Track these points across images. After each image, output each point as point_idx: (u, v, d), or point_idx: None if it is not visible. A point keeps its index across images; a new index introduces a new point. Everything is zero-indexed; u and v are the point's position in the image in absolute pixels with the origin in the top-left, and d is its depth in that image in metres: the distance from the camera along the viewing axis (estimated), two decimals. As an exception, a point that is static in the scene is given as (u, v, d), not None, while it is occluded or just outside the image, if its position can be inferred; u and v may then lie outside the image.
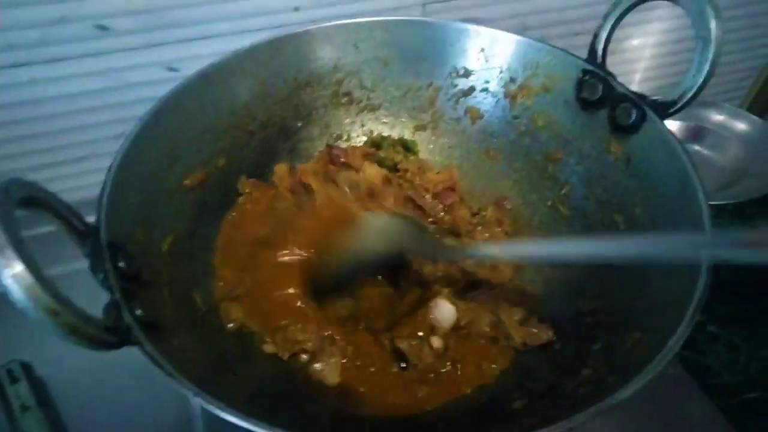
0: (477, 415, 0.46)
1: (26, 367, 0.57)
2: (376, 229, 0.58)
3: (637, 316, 0.44)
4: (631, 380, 0.36)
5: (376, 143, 0.67)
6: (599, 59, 0.56)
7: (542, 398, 0.44)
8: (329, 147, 0.65)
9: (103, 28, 0.63)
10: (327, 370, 0.50)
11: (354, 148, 0.66)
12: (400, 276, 0.56)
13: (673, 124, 0.92)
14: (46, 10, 0.59)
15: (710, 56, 0.48)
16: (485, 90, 0.64)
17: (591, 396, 0.38)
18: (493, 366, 0.51)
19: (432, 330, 0.53)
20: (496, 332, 0.53)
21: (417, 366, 0.51)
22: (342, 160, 0.63)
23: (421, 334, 0.52)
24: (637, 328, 0.42)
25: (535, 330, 0.51)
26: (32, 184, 0.36)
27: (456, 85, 0.65)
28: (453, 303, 0.54)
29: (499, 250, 0.55)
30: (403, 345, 0.51)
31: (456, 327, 0.53)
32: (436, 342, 0.51)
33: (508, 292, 0.57)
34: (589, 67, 0.56)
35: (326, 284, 0.55)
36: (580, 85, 0.57)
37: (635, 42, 0.91)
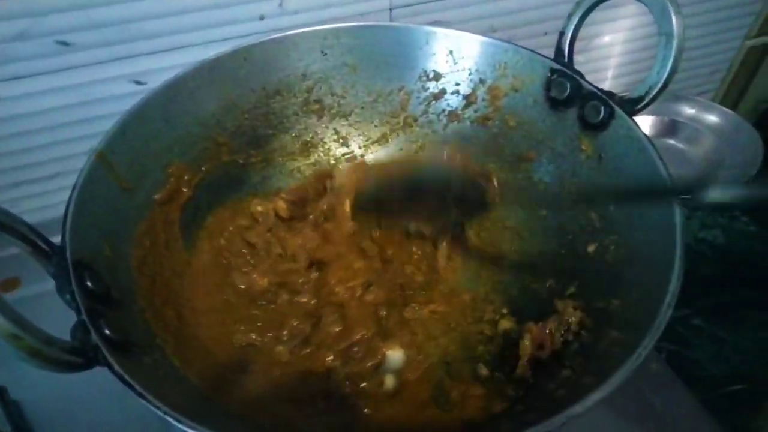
0: (455, 420, 0.46)
1: (1, 391, 0.55)
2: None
3: (613, 315, 0.44)
4: (606, 380, 0.35)
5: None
6: (566, 58, 0.57)
7: (521, 401, 0.44)
8: None
9: (64, 43, 0.61)
10: None
11: None
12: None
13: (646, 120, 0.93)
14: (3, 26, 0.58)
15: (673, 52, 0.48)
16: (456, 92, 0.64)
17: (568, 398, 0.37)
18: None
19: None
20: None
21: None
22: None
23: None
24: (613, 327, 0.42)
25: None
26: (-10, 206, 0.35)
27: (427, 89, 0.65)
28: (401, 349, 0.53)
29: None
30: None
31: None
32: (389, 381, 0.50)
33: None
34: (557, 66, 0.57)
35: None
36: (548, 84, 0.57)
37: (605, 39, 0.92)
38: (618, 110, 0.51)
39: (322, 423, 0.47)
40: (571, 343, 0.46)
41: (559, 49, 0.57)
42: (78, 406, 0.55)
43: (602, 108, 0.53)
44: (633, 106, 0.51)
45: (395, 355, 0.52)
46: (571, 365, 0.43)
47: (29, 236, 0.39)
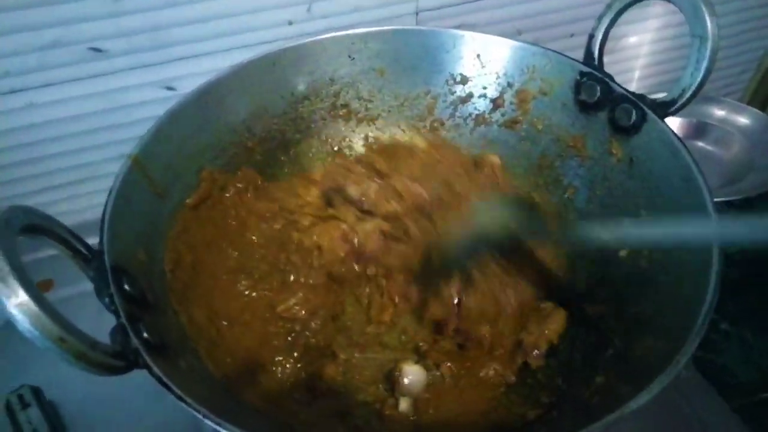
0: (489, 427, 0.46)
1: (36, 392, 0.56)
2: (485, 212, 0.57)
3: (648, 321, 0.44)
4: (644, 389, 0.35)
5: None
6: (596, 61, 0.56)
7: (556, 407, 0.44)
8: None
9: (97, 50, 0.63)
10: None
11: None
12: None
13: (674, 121, 0.92)
14: (38, 35, 0.59)
15: (708, 53, 0.47)
16: (483, 96, 0.64)
17: (604, 405, 0.37)
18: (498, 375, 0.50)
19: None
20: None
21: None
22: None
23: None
24: (648, 333, 0.42)
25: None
26: (34, 211, 0.36)
27: (454, 92, 0.65)
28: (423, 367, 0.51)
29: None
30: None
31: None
32: (404, 404, 0.49)
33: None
34: (586, 69, 0.56)
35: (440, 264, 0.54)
36: (577, 87, 0.57)
37: (632, 40, 0.91)
38: (650, 113, 0.51)
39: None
40: (603, 349, 0.46)
41: (588, 52, 0.56)
42: (111, 406, 0.56)
43: (634, 111, 0.52)
44: (666, 109, 0.50)
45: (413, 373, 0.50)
46: (605, 372, 0.43)
47: (69, 239, 0.39)
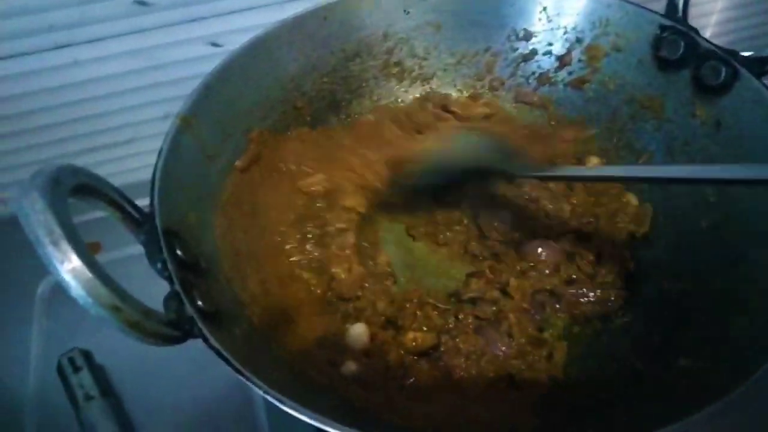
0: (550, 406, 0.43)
1: (87, 355, 0.55)
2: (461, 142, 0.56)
3: (741, 298, 0.40)
4: (742, 375, 0.32)
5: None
6: (680, 12, 0.51)
7: (632, 386, 0.41)
8: None
9: (142, 3, 0.60)
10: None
11: None
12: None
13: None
14: (82, -14, 0.57)
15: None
16: (548, 53, 0.59)
17: (694, 390, 0.34)
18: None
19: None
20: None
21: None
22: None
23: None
24: (742, 311, 0.38)
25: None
26: (84, 170, 0.34)
27: (516, 49, 0.60)
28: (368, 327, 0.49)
29: (592, 173, 0.53)
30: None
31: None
32: (352, 366, 0.46)
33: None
34: (668, 23, 0.51)
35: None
36: (657, 42, 0.52)
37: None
38: (743, 71, 0.46)
39: None
40: (685, 329, 0.42)
41: (671, 3, 0.51)
42: (161, 371, 0.55)
43: (723, 68, 0.47)
44: (762, 66, 0.45)
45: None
46: (692, 355, 0.39)
47: (119, 202, 0.37)
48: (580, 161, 0.57)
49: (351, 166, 0.56)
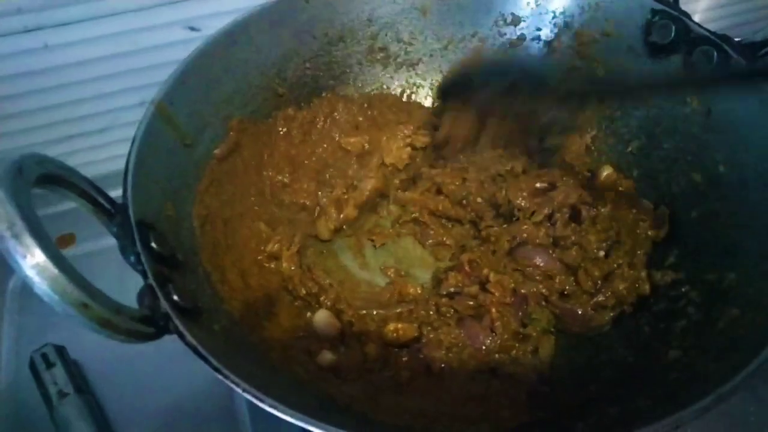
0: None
1: (61, 351, 0.53)
2: None
3: (732, 289, 0.39)
4: (733, 367, 0.31)
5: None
6: (671, -3, 0.50)
7: (622, 379, 0.40)
8: None
9: (115, -15, 0.57)
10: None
11: None
12: None
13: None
14: (52, -33, 0.54)
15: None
16: (536, 38, 0.58)
17: (684, 383, 0.33)
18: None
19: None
20: None
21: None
22: None
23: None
24: (732, 304, 0.37)
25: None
26: (50, 159, 0.32)
27: (503, 35, 0.59)
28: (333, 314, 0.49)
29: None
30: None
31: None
32: (327, 356, 0.45)
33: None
34: (659, 7, 0.50)
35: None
36: (648, 27, 0.51)
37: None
38: (737, 57, 0.45)
39: None
40: (675, 320, 0.41)
41: (662, -13, 0.50)
42: (137, 366, 0.54)
43: (715, 54, 0.46)
44: (755, 52, 0.44)
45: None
46: (682, 346, 0.38)
47: (90, 192, 0.36)
48: (593, 173, 0.56)
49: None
